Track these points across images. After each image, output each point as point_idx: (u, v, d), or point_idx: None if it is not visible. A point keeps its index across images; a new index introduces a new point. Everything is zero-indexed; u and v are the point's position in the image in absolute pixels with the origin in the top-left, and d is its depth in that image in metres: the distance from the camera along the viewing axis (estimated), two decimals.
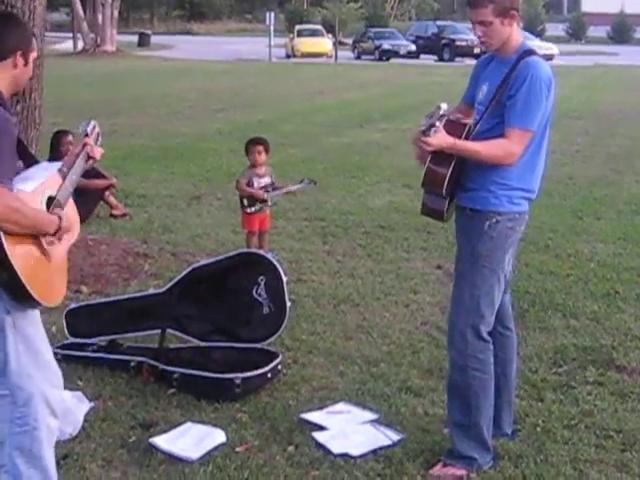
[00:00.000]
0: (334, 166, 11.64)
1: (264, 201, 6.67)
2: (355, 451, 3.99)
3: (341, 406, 4.48)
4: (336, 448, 4.01)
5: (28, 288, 2.95)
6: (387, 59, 41.49)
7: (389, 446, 4.05)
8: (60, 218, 3.10)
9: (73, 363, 4.88)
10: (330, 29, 46.30)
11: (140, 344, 5.07)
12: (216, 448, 3.99)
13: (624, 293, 6.41)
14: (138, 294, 5.50)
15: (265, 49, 40.34)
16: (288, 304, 4.95)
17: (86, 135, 3.43)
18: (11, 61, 3.14)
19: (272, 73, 30.58)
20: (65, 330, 5.12)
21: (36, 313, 3.23)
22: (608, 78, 29.95)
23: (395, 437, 4.12)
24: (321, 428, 4.21)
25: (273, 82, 26.19)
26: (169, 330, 4.97)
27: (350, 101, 21.05)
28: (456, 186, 3.78)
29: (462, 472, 3.83)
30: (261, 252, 5.57)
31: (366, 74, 31.10)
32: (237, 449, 4.01)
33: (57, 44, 44.72)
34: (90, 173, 7.51)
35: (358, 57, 43.84)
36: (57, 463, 3.77)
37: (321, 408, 4.44)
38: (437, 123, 3.56)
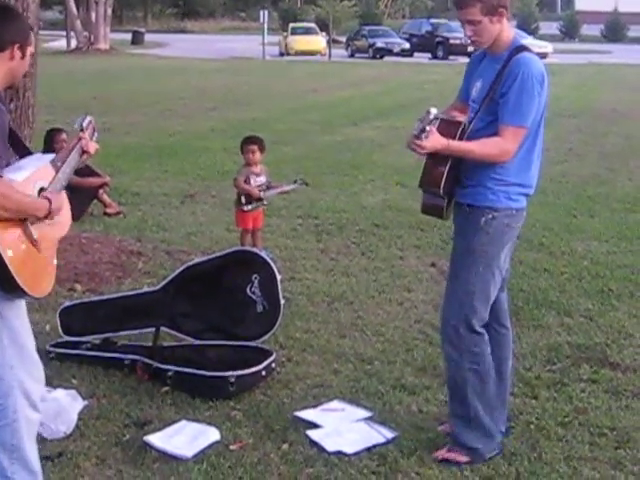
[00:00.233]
0: (328, 164, 11.63)
1: (260, 200, 6.71)
2: (349, 449, 3.99)
3: (335, 404, 4.47)
4: (330, 446, 4.01)
5: (16, 278, 2.92)
6: (381, 57, 41.41)
7: (383, 444, 4.05)
8: (50, 201, 3.06)
9: (67, 361, 4.87)
10: (324, 27, 46.28)
11: (134, 342, 5.06)
12: (210, 446, 3.99)
13: (618, 291, 6.42)
14: (132, 292, 5.49)
15: (259, 47, 40.28)
16: (282, 302, 4.95)
17: (81, 130, 3.42)
18: (8, 53, 3.12)
19: (266, 71, 30.56)
20: (59, 328, 5.10)
21: (22, 304, 3.20)
22: (602, 76, 29.96)
23: (389, 435, 4.12)
24: (315, 426, 4.21)
25: (267, 80, 26.15)
26: (163, 328, 4.96)
27: (344, 99, 21.03)
28: (454, 185, 3.79)
29: (465, 459, 3.87)
30: (255, 250, 5.58)
31: (360, 72, 31.09)
32: (231, 447, 4.01)
33: (50, 42, 44.67)
34: (84, 171, 7.51)
35: (352, 55, 43.78)
36: (51, 461, 3.79)
37: (315, 406, 4.43)
38: (427, 127, 3.57)
